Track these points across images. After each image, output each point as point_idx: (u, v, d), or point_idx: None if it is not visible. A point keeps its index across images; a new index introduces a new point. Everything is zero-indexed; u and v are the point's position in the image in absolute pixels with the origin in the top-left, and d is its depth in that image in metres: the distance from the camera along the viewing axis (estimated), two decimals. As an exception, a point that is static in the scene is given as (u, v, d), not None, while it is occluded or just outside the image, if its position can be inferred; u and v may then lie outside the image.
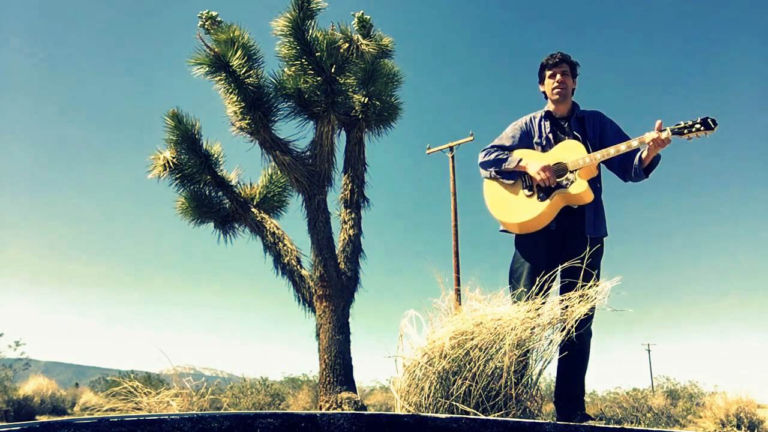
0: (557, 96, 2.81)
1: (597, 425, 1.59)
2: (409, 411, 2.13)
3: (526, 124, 2.92)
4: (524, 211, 2.72)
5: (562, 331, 2.19)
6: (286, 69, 4.45)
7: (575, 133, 2.81)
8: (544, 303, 2.34)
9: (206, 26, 4.52)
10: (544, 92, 2.91)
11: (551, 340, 2.21)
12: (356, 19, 4.46)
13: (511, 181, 2.82)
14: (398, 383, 2.27)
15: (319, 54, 4.22)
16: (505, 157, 2.81)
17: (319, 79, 4.31)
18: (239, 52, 4.25)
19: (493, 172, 2.86)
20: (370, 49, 4.37)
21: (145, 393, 3.48)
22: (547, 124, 2.87)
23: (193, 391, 3.60)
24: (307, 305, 4.44)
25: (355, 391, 3.98)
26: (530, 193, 2.74)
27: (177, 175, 4.86)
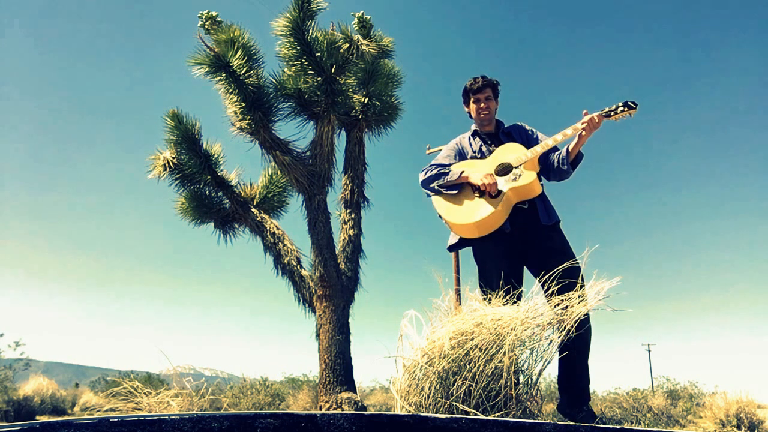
0: (482, 119, 2.98)
1: (597, 426, 1.59)
2: (409, 411, 2.13)
3: (458, 144, 3.06)
4: (479, 210, 2.72)
5: (562, 331, 2.19)
6: (286, 69, 4.46)
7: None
8: (544, 303, 2.34)
9: (206, 26, 4.52)
10: (468, 113, 3.06)
11: (551, 340, 2.21)
12: (356, 20, 4.46)
13: (455, 191, 2.84)
14: (398, 383, 2.27)
15: (319, 54, 4.22)
16: (447, 171, 2.88)
17: (319, 79, 4.31)
18: (239, 53, 4.25)
19: (436, 187, 2.88)
20: (370, 50, 4.37)
21: (145, 393, 3.48)
22: (477, 140, 3.02)
23: (193, 391, 3.60)
24: (307, 305, 4.44)
25: (355, 392, 3.98)
26: (481, 195, 2.77)
27: (177, 175, 4.87)
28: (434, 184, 2.88)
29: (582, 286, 2.39)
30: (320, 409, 3.89)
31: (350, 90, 4.59)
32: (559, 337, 2.18)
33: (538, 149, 2.73)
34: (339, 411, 3.59)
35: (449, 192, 2.85)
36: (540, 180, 2.87)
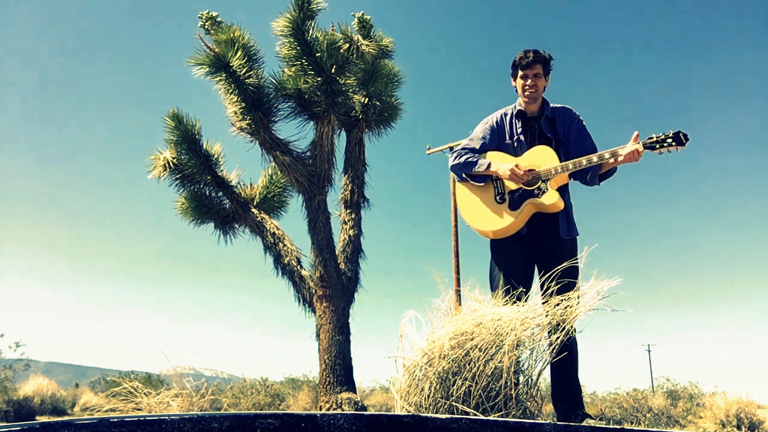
0: (527, 97, 2.81)
1: (597, 425, 1.59)
2: (409, 411, 2.13)
3: (496, 122, 2.91)
4: (496, 219, 2.75)
5: (561, 331, 2.19)
6: (286, 69, 4.45)
7: (547, 135, 2.83)
8: (543, 303, 2.35)
9: (206, 26, 4.52)
10: (515, 87, 2.90)
11: (550, 341, 2.21)
12: (356, 20, 4.46)
13: (482, 184, 2.84)
14: (398, 384, 2.27)
15: (319, 54, 4.22)
16: (476, 160, 2.82)
17: (319, 79, 4.31)
18: (239, 53, 4.25)
19: (464, 175, 2.86)
20: (371, 50, 4.37)
21: (145, 393, 3.48)
22: (519, 123, 2.87)
23: (193, 391, 3.60)
24: (307, 305, 4.44)
25: (355, 392, 3.98)
26: (502, 201, 2.76)
27: (177, 176, 4.86)
28: (462, 173, 2.86)
29: (576, 298, 2.37)
30: (320, 409, 3.89)
31: (350, 90, 4.59)
32: (558, 338, 2.18)
33: (570, 167, 2.63)
34: (339, 411, 3.59)
35: (477, 184, 2.84)
36: (568, 189, 2.82)
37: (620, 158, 2.55)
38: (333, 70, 4.29)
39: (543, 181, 2.69)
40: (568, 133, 2.83)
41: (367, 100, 4.72)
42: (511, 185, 2.77)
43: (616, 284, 2.29)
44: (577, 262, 2.65)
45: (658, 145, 2.49)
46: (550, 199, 2.66)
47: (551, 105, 2.89)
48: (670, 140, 2.46)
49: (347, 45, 4.31)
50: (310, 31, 4.23)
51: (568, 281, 2.43)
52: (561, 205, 2.70)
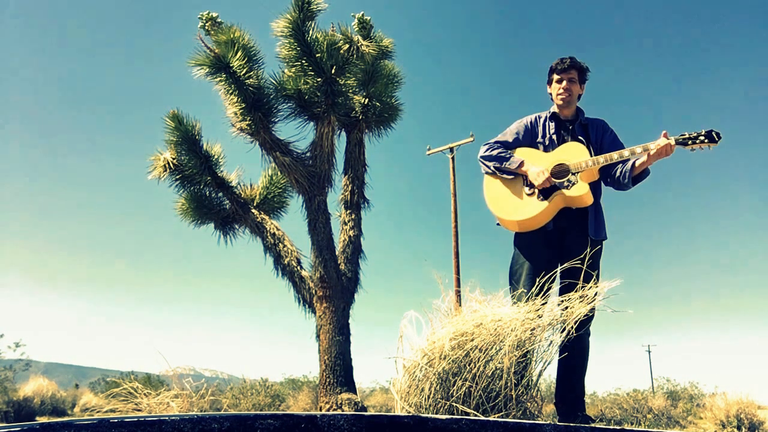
0: (561, 101, 2.85)
1: (597, 426, 1.59)
2: (409, 412, 2.13)
3: (531, 122, 2.94)
4: (524, 209, 2.73)
5: (562, 331, 2.19)
6: (286, 70, 4.46)
7: (579, 137, 2.83)
8: (544, 304, 2.34)
9: (206, 27, 4.52)
10: (550, 94, 2.94)
11: (551, 341, 2.21)
12: (356, 20, 4.46)
13: (511, 177, 2.84)
14: (398, 384, 2.27)
15: (319, 55, 4.22)
16: (508, 156, 2.83)
17: (319, 80, 4.31)
18: (239, 53, 4.25)
19: (493, 168, 2.86)
20: (371, 50, 4.37)
21: (145, 394, 3.48)
22: (552, 125, 2.90)
23: (193, 392, 3.60)
24: (307, 306, 4.44)
25: (355, 392, 3.98)
26: (531, 191, 2.74)
27: (177, 176, 4.86)
28: (492, 165, 2.86)
29: (591, 307, 2.34)
30: (320, 410, 3.89)
31: (350, 91, 4.58)
32: (559, 338, 2.18)
33: (600, 160, 2.64)
34: (339, 412, 3.59)
35: (506, 177, 2.84)
36: (598, 187, 2.82)
37: (652, 152, 2.54)
38: (333, 71, 4.29)
39: (573, 174, 2.68)
40: (601, 141, 2.84)
41: (367, 100, 4.72)
42: None
43: (616, 285, 2.29)
44: (598, 266, 2.64)
45: (690, 142, 2.50)
46: (580, 190, 2.64)
47: (586, 115, 2.93)
48: (702, 137, 2.48)
49: (347, 46, 4.31)
50: (310, 32, 4.23)
51: (585, 283, 2.40)
52: (590, 199, 2.68)
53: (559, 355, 2.41)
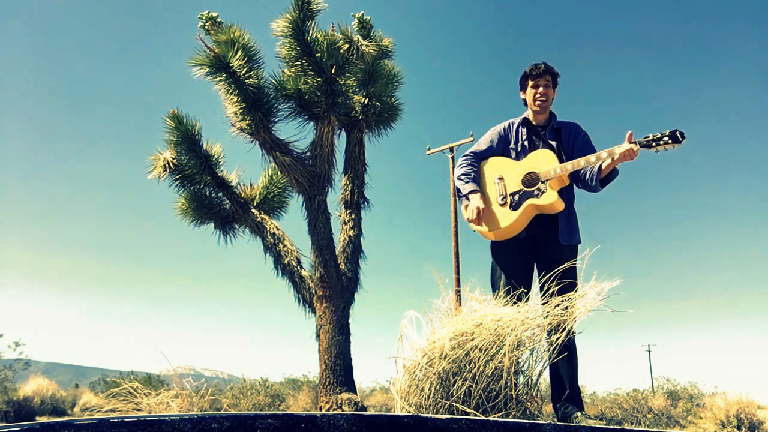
0: (538, 107, 2.90)
1: (597, 426, 1.59)
2: (409, 412, 2.13)
3: (504, 129, 3.01)
4: (498, 220, 2.79)
5: (562, 331, 2.19)
6: (286, 70, 4.45)
7: (550, 142, 2.88)
8: (545, 303, 2.35)
9: (207, 27, 4.52)
10: (524, 100, 3.00)
11: (550, 342, 2.21)
12: (356, 20, 4.46)
13: (478, 190, 2.89)
14: (398, 384, 2.27)
15: (319, 55, 4.22)
16: (467, 180, 2.90)
17: (319, 80, 4.31)
18: (239, 53, 4.25)
19: (457, 187, 2.95)
20: (370, 50, 4.37)
21: (145, 394, 3.48)
22: (524, 130, 2.95)
23: (193, 391, 3.60)
24: (307, 306, 4.44)
25: (355, 392, 3.98)
26: (503, 201, 2.80)
27: (177, 176, 4.86)
28: (457, 185, 2.95)
29: (577, 299, 2.38)
30: (320, 409, 3.89)
31: (350, 91, 4.58)
32: (558, 338, 2.18)
33: (569, 167, 2.68)
34: (339, 412, 3.59)
35: (478, 188, 2.89)
36: (570, 191, 2.86)
37: (616, 157, 2.59)
38: (333, 71, 4.29)
39: (542, 182, 2.73)
40: (573, 144, 2.88)
41: (367, 100, 4.72)
42: (512, 187, 2.81)
43: (616, 285, 2.29)
44: (575, 268, 2.67)
45: (654, 143, 2.53)
46: (549, 198, 2.70)
47: (558, 119, 2.97)
48: (666, 138, 2.50)
49: (347, 45, 4.31)
50: (310, 32, 4.23)
51: (566, 284, 2.44)
52: (560, 205, 2.73)
53: (555, 356, 2.41)
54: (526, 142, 2.91)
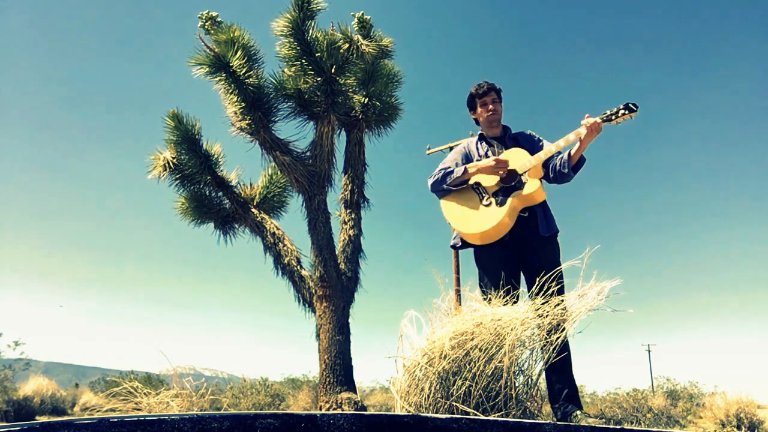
0: (491, 122, 3.03)
1: (597, 425, 1.59)
2: (409, 411, 2.13)
3: (465, 147, 3.11)
4: (485, 220, 2.80)
5: (561, 331, 2.19)
6: (286, 69, 4.45)
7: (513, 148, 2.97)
8: (545, 303, 2.35)
9: (206, 27, 4.51)
10: (475, 119, 3.13)
11: (550, 341, 2.21)
12: (356, 20, 4.46)
13: (463, 187, 2.92)
14: (398, 384, 2.27)
15: (319, 54, 4.22)
16: (452, 170, 2.95)
17: (319, 79, 4.31)
18: (239, 53, 4.25)
19: (445, 186, 2.95)
20: (370, 50, 4.37)
21: (145, 393, 3.47)
22: (484, 144, 3.07)
23: (193, 391, 3.60)
24: (307, 306, 4.44)
25: (355, 392, 3.98)
26: (488, 202, 2.83)
27: (177, 176, 4.86)
28: (442, 186, 2.96)
29: (577, 298, 2.40)
30: (320, 409, 3.89)
31: (350, 90, 4.58)
32: (557, 338, 2.18)
33: (542, 155, 2.78)
34: (339, 411, 3.59)
35: (459, 190, 2.93)
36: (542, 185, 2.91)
37: (583, 134, 2.71)
38: (333, 70, 4.29)
39: (520, 175, 2.81)
40: (533, 149, 2.95)
41: (367, 100, 4.72)
42: (492, 185, 2.86)
43: (616, 284, 2.29)
44: (558, 260, 2.73)
45: (614, 116, 2.69)
46: (533, 186, 2.76)
47: (513, 131, 3.10)
48: (622, 110, 2.67)
49: (347, 45, 4.31)
50: (310, 31, 4.22)
51: (554, 280, 2.45)
52: (543, 194, 2.81)
53: (554, 355, 2.41)
54: (489, 153, 3.01)
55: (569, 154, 2.81)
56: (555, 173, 2.89)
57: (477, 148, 3.07)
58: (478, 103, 3.06)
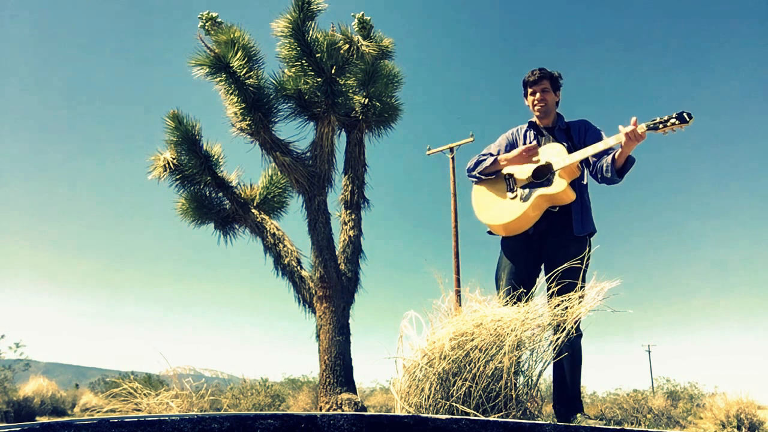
0: (539, 111, 2.95)
1: (597, 426, 1.59)
2: (409, 412, 2.13)
3: (512, 134, 3.07)
4: (508, 212, 2.80)
5: (562, 331, 2.19)
6: (286, 70, 4.45)
7: (561, 143, 2.89)
8: (544, 304, 2.35)
9: (206, 27, 4.51)
10: (528, 105, 3.04)
11: (551, 341, 2.21)
12: (356, 20, 4.46)
13: (493, 177, 2.93)
14: (398, 384, 2.27)
15: (319, 55, 4.22)
16: (483, 158, 2.95)
17: (319, 80, 4.31)
18: (239, 53, 4.25)
19: (477, 174, 2.96)
20: (371, 50, 4.37)
21: (145, 394, 3.48)
22: (532, 133, 3.00)
23: (193, 392, 3.60)
24: (307, 306, 4.44)
25: (355, 392, 3.98)
26: (513, 195, 2.82)
27: (177, 176, 4.86)
28: (474, 173, 2.96)
29: (578, 299, 2.37)
30: (320, 410, 3.89)
31: (350, 91, 4.58)
32: (558, 338, 2.18)
33: (577, 156, 2.69)
34: (339, 412, 3.59)
35: (490, 179, 2.93)
36: (583, 182, 2.85)
37: (623, 140, 2.55)
38: (333, 71, 4.29)
39: (552, 173, 2.73)
40: (584, 139, 2.88)
41: (367, 100, 4.72)
42: (523, 179, 2.82)
43: (616, 285, 2.29)
44: (581, 262, 2.66)
45: (661, 125, 2.48)
46: (559, 187, 2.69)
47: (566, 120, 2.99)
48: (674, 120, 2.45)
49: (347, 45, 4.31)
50: (310, 32, 4.22)
51: (569, 283, 2.43)
52: (571, 194, 2.72)
53: (555, 357, 2.41)
54: (534, 142, 2.92)
55: (613, 157, 2.67)
56: (602, 175, 2.78)
57: (525, 137, 3.00)
58: (529, 91, 2.96)
